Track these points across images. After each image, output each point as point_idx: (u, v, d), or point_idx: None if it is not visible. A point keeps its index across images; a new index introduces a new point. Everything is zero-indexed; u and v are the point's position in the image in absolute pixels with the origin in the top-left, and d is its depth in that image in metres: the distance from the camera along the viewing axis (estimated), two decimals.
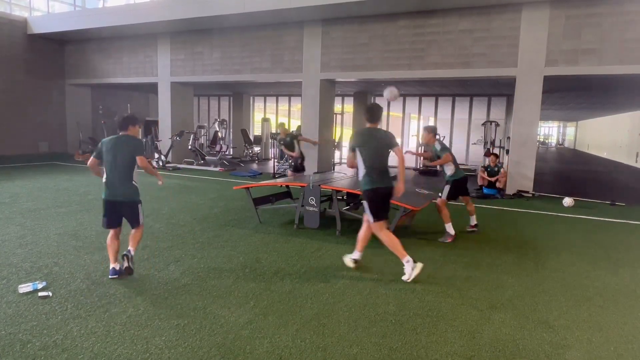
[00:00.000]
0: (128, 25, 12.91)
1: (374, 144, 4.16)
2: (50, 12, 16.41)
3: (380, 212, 4.12)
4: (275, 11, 10.55)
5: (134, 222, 4.07)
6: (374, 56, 10.67)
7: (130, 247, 3.93)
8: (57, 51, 15.82)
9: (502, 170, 9.51)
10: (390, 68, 10.50)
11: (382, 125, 20.22)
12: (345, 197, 6.69)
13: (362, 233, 4.31)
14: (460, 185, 5.71)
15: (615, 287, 4.10)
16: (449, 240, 5.44)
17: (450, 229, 5.49)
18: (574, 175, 14.88)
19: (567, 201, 8.39)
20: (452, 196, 5.67)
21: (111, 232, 4.00)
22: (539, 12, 8.99)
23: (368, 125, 4.24)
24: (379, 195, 4.11)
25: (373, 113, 4.24)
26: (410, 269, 3.99)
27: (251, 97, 20.10)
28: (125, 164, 3.97)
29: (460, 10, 9.64)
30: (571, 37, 8.83)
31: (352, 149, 4.20)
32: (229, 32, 12.48)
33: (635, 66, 8.41)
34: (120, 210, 4.00)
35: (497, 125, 13.82)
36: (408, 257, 4.02)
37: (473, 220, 6.00)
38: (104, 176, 3.95)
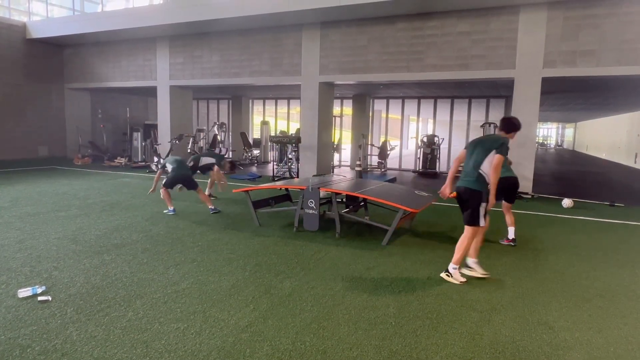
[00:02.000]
0: (127, 29, 12.95)
1: (472, 147, 4.24)
2: (49, 17, 16.43)
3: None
4: (274, 14, 10.58)
5: (193, 188, 7.11)
6: (372, 59, 10.70)
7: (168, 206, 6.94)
8: (56, 55, 15.86)
9: None
10: (389, 70, 10.53)
11: (380, 126, 20.25)
12: (344, 200, 6.70)
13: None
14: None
15: (615, 288, 4.10)
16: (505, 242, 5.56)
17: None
18: (573, 176, 14.89)
19: (566, 202, 8.39)
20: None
21: (167, 190, 6.89)
22: (537, 13, 9.02)
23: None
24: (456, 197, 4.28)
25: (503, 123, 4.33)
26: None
27: (250, 100, 20.12)
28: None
29: (458, 13, 9.67)
30: (569, 38, 8.86)
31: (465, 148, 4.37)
32: (228, 36, 12.51)
33: (633, 67, 8.43)
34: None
35: (495, 126, 13.84)
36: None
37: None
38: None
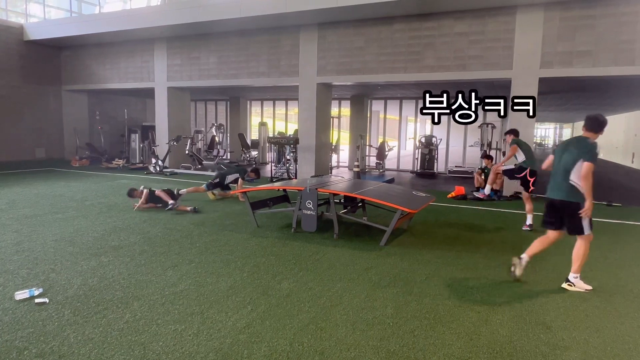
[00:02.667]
0: (124, 30, 12.93)
1: (560, 152, 4.15)
2: (47, 19, 16.40)
3: (544, 220, 4.30)
4: (271, 16, 10.58)
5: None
6: (370, 59, 10.71)
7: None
8: (54, 57, 15.82)
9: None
10: (387, 71, 10.54)
11: (378, 127, 20.28)
12: (342, 201, 6.70)
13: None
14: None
15: (612, 287, 4.11)
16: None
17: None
18: None
19: None
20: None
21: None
22: (533, 14, 9.04)
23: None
24: (546, 204, 4.25)
25: (591, 123, 4.05)
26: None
27: (248, 102, 20.11)
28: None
29: (456, 13, 9.69)
30: (566, 39, 8.89)
31: (553, 152, 4.33)
32: (226, 37, 12.51)
33: (629, 67, 8.46)
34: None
35: (493, 127, 13.88)
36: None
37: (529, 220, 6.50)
38: None
